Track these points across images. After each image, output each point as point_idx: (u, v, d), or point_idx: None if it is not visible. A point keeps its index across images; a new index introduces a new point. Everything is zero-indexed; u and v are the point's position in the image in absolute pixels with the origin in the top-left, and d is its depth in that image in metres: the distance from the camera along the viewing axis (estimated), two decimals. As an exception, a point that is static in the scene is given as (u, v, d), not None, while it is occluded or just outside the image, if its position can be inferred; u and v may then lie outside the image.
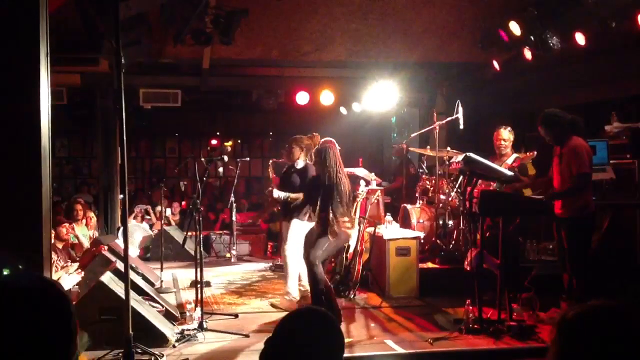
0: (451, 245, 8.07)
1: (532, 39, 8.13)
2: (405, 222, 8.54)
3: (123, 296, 4.97)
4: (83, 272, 6.80)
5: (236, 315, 6.56)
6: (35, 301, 1.70)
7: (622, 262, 7.24)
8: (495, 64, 9.24)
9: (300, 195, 6.93)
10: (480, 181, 6.76)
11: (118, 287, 5.54)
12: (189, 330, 5.78)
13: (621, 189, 7.46)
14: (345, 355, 5.14)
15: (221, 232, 11.38)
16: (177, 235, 10.41)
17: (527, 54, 8.40)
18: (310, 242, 6.26)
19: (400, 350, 5.33)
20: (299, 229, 6.87)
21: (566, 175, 6.04)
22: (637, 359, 1.54)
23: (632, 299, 6.67)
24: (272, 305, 6.97)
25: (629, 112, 8.24)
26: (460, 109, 8.28)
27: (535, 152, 7.29)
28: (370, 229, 7.84)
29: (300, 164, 7.25)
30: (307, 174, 7.00)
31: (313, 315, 2.04)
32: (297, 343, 1.93)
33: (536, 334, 5.75)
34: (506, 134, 7.59)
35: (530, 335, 5.72)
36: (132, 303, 5.06)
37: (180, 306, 6.84)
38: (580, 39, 7.54)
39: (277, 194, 7.05)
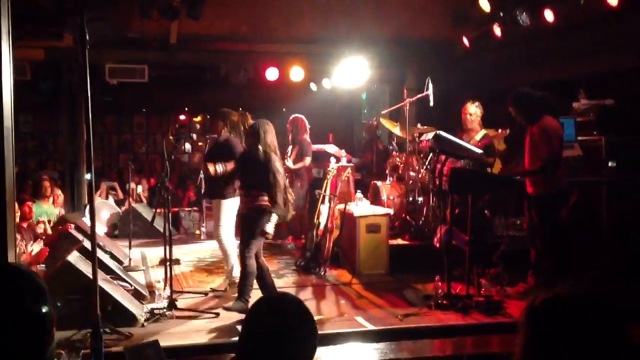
0: (421, 222, 8.12)
1: (502, 15, 8.15)
2: (376, 199, 8.56)
3: (90, 275, 4.91)
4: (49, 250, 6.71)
5: (206, 294, 6.53)
6: (6, 292, 1.66)
7: (589, 237, 7.34)
8: (465, 41, 9.24)
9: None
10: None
11: (85, 267, 5.47)
12: (158, 309, 5.74)
13: (588, 165, 7.54)
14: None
15: (190, 209, 11.29)
16: (146, 212, 10.30)
17: (497, 30, 8.42)
18: (244, 232, 5.96)
19: (370, 327, 5.36)
20: (229, 208, 6.75)
21: (535, 155, 6.08)
22: (603, 347, 1.54)
23: (597, 274, 6.79)
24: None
25: (596, 89, 8.30)
26: (431, 86, 8.27)
27: (507, 131, 7.34)
28: (341, 206, 7.84)
29: (222, 138, 6.95)
30: (232, 149, 6.73)
31: (286, 303, 2.01)
32: (272, 333, 1.90)
33: (504, 309, 5.84)
34: (473, 109, 7.65)
35: (498, 311, 5.80)
36: (100, 282, 4.99)
37: (149, 285, 6.79)
38: (549, 15, 7.57)
39: (219, 168, 6.59)
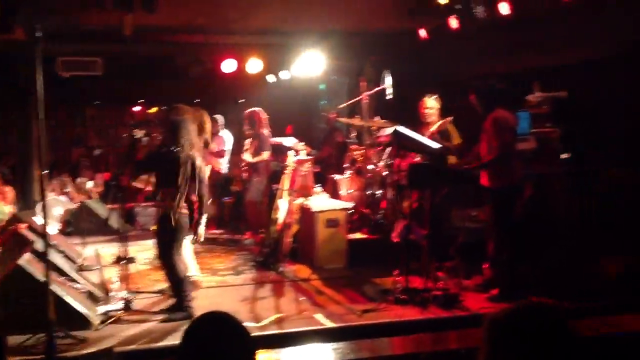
0: (379, 215, 8.12)
1: (459, 7, 8.18)
2: (334, 193, 8.54)
3: (43, 279, 4.79)
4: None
5: (162, 293, 6.42)
6: None
7: (544, 228, 7.45)
8: (423, 33, 9.24)
9: None
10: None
11: (38, 269, 5.31)
12: (113, 311, 5.63)
13: (543, 157, 7.64)
14: (274, 332, 5.13)
15: (146, 204, 11.10)
16: (100, 208, 10.09)
17: (453, 22, 8.44)
18: (163, 235, 5.72)
19: (329, 324, 5.34)
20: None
21: (490, 146, 6.12)
22: (564, 358, 1.55)
23: (552, 266, 6.91)
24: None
25: (550, 81, 8.40)
26: (388, 79, 8.26)
27: (451, 117, 7.37)
28: (300, 201, 7.79)
29: None
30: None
31: (219, 322, 1.96)
32: (207, 353, 1.85)
33: (460, 302, 5.89)
34: (431, 102, 7.68)
35: (455, 304, 5.85)
36: (53, 285, 4.88)
37: (104, 285, 6.64)
38: (504, 8, 7.62)
39: None
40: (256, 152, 9.17)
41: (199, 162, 5.66)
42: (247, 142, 9.30)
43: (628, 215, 7.01)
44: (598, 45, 7.81)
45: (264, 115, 9.26)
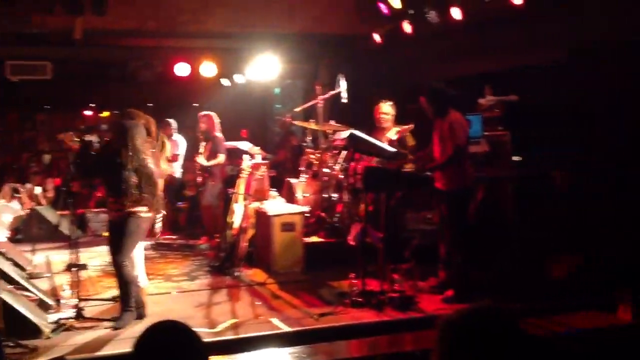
0: (336, 219, 8.13)
1: (411, 12, 8.27)
2: (290, 196, 8.52)
3: (-10, 287, 4.66)
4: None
5: (114, 300, 6.30)
6: None
7: (496, 232, 7.57)
8: (376, 37, 9.32)
9: None
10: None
11: (-15, 278, 5.16)
12: (64, 319, 5.50)
13: (495, 161, 7.76)
14: (229, 337, 5.08)
15: (98, 209, 10.90)
16: (50, 214, 9.87)
17: (407, 27, 8.53)
18: (115, 240, 5.63)
19: (286, 328, 5.31)
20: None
21: (444, 149, 6.19)
22: (516, 357, 1.57)
23: (504, 268, 7.03)
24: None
25: (501, 85, 8.54)
26: (343, 83, 8.29)
27: (413, 125, 7.44)
28: (255, 205, 7.75)
29: None
30: None
31: (170, 330, 1.94)
32: None
33: (416, 304, 5.94)
34: (386, 108, 7.74)
35: (411, 306, 5.90)
36: (2, 294, 4.75)
37: (55, 292, 6.49)
38: (456, 13, 7.74)
39: None
40: (211, 156, 9.10)
41: (149, 166, 5.58)
42: (202, 145, 9.23)
43: (576, 217, 7.17)
44: (547, 50, 8.00)
45: (216, 119, 9.20)
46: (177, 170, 9.94)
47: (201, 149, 9.23)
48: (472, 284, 6.14)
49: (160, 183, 5.82)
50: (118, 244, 5.57)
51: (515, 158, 7.74)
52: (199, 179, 9.30)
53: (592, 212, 7.07)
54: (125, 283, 5.57)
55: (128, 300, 5.56)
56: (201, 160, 9.14)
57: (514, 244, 7.43)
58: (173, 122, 10.24)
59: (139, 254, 6.21)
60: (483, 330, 1.61)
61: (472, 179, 6.40)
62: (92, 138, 6.14)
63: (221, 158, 9.10)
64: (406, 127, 7.54)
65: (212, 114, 9.27)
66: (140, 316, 5.63)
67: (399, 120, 8.12)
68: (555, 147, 7.77)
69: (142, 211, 5.55)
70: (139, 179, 5.49)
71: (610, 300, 5.45)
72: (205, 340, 4.76)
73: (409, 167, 6.69)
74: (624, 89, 7.39)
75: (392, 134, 7.51)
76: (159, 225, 5.69)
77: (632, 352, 4.66)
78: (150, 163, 5.59)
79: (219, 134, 9.20)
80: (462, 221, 6.26)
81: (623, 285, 5.40)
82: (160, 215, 5.75)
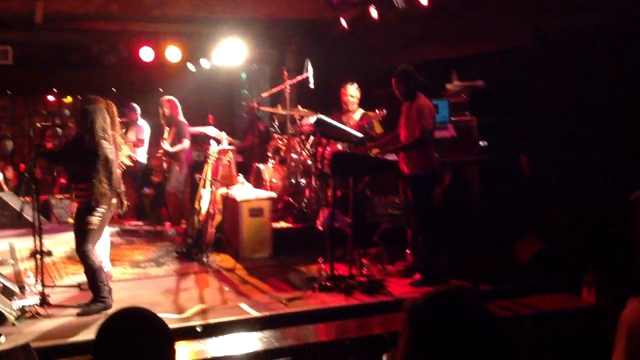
0: (304, 204, 8.13)
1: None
2: (258, 182, 8.49)
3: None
4: None
5: (79, 286, 6.22)
6: None
7: (462, 215, 7.65)
8: (343, 22, 9.29)
9: None
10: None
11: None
12: (29, 306, 5.41)
13: (461, 146, 7.82)
14: (197, 322, 5.05)
15: (62, 196, 10.72)
16: (13, 200, 9.68)
17: (373, 12, 8.52)
18: (80, 229, 5.51)
19: (254, 313, 5.30)
20: None
21: (411, 132, 6.21)
22: (483, 343, 1.58)
23: (470, 251, 7.12)
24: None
25: (468, 70, 8.60)
26: (310, 68, 8.26)
27: (385, 111, 7.46)
28: (223, 191, 7.70)
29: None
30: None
31: (134, 317, 1.91)
32: (122, 348, 1.81)
33: (385, 288, 5.96)
34: (353, 91, 7.75)
35: (380, 290, 5.92)
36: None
37: (19, 279, 6.37)
38: (422, -2, 7.75)
39: None
40: (175, 141, 9.00)
41: (112, 151, 5.49)
42: (166, 131, 9.12)
43: (542, 201, 7.28)
44: (513, 35, 8.06)
45: (178, 104, 9.09)
46: (142, 155, 9.81)
47: (165, 135, 9.13)
48: (439, 267, 6.20)
49: (118, 172, 5.71)
50: (82, 233, 5.48)
51: (481, 143, 7.82)
52: (164, 165, 9.21)
53: (557, 196, 7.18)
54: (93, 272, 5.48)
55: (99, 290, 5.46)
56: (166, 145, 9.04)
57: (481, 228, 7.53)
58: (137, 107, 10.09)
59: (104, 241, 6.13)
60: (449, 313, 1.62)
61: (437, 164, 6.43)
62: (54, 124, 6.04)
63: (186, 143, 9.00)
64: (378, 112, 7.56)
65: (174, 98, 9.16)
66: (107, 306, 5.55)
67: (366, 106, 8.14)
68: (521, 132, 7.87)
69: (106, 200, 5.47)
70: (103, 166, 5.41)
71: (575, 282, 5.55)
72: (173, 326, 4.76)
73: (375, 152, 6.70)
74: (588, 74, 7.50)
75: (358, 115, 7.52)
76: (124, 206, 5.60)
77: (595, 333, 4.77)
78: (112, 150, 5.51)
79: (182, 119, 9.10)
80: (428, 205, 6.30)
81: (587, 267, 5.50)
82: (125, 203, 5.65)
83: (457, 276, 6.06)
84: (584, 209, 6.90)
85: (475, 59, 8.78)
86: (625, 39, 7.02)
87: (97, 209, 5.43)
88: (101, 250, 6.01)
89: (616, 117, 7.00)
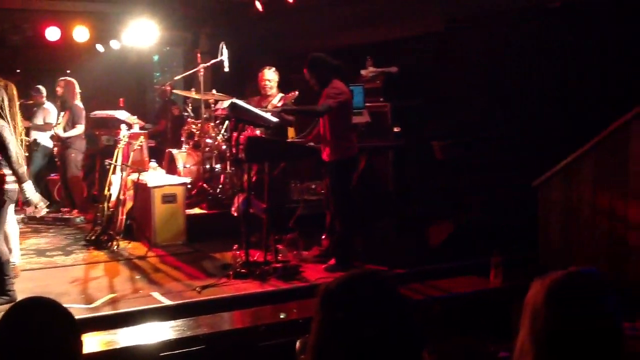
0: (218, 190, 8.02)
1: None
2: (171, 167, 8.31)
3: None
4: None
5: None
6: None
7: (377, 200, 7.74)
8: (258, 5, 9.18)
9: None
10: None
11: None
12: None
13: (376, 131, 7.90)
14: (107, 312, 4.89)
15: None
16: None
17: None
18: None
19: (167, 302, 5.19)
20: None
21: (327, 118, 6.18)
22: (395, 326, 1.59)
23: (384, 235, 7.23)
24: None
25: (383, 56, 8.69)
26: (225, 51, 8.12)
27: (297, 92, 7.42)
28: (134, 176, 7.49)
29: None
30: None
31: (38, 307, 1.83)
32: (25, 340, 1.72)
33: (300, 274, 5.97)
34: (270, 75, 7.67)
35: (295, 275, 5.92)
36: None
37: None
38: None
39: None
40: (69, 126, 8.64)
41: (10, 133, 5.21)
42: (60, 115, 8.75)
43: (453, 186, 7.47)
44: (425, 21, 8.20)
45: (76, 86, 8.73)
46: (48, 140, 9.38)
47: (60, 119, 8.75)
48: (353, 252, 6.25)
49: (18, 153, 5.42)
50: None
51: (395, 129, 7.93)
52: (58, 150, 8.85)
53: (467, 181, 7.38)
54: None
55: (4, 282, 5.18)
56: (58, 130, 8.67)
57: (395, 212, 7.65)
58: (44, 90, 9.65)
59: (13, 229, 5.84)
60: (361, 296, 1.62)
61: (356, 150, 6.45)
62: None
63: (80, 128, 8.65)
64: (290, 94, 7.51)
65: (73, 80, 8.78)
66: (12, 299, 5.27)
67: (284, 90, 8.08)
68: (433, 118, 8.03)
69: (9, 183, 5.20)
70: (3, 149, 5.13)
71: (484, 265, 5.72)
72: (81, 316, 4.59)
73: (292, 138, 6.68)
74: (496, 60, 7.72)
75: (277, 100, 7.47)
76: (36, 196, 5.32)
77: (501, 314, 4.94)
78: (9, 130, 5.23)
79: (78, 103, 8.72)
80: (345, 191, 6.33)
81: (495, 250, 5.68)
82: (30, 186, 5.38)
83: (371, 261, 6.13)
84: (494, 194, 7.13)
85: (389, 45, 8.88)
86: (533, 23, 7.26)
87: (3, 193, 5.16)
88: (11, 240, 5.72)
89: (525, 102, 7.26)
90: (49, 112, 9.50)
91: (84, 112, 8.71)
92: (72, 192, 8.95)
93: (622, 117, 5.50)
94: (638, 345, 3.20)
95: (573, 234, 5.93)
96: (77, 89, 8.71)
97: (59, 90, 8.73)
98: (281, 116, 6.73)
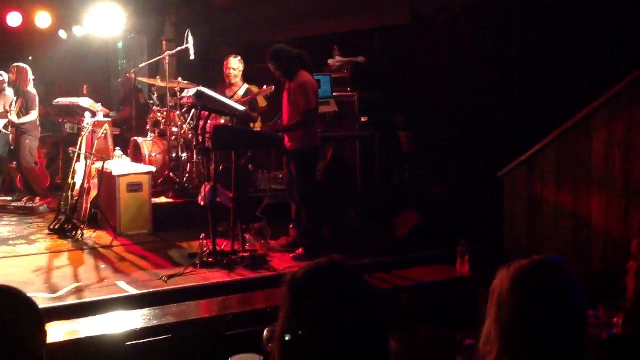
0: (185, 179, 7.97)
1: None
2: (136, 156, 8.22)
3: None
4: None
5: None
6: None
7: (344, 190, 7.78)
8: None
9: None
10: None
11: None
12: None
13: (343, 121, 7.92)
14: (72, 302, 4.84)
15: None
16: None
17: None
18: None
19: (133, 291, 5.14)
20: None
21: (294, 110, 6.17)
22: (361, 314, 1.61)
23: (351, 225, 7.27)
24: None
25: (350, 46, 8.70)
26: (191, 39, 8.04)
27: (272, 88, 7.40)
28: (99, 165, 7.38)
29: None
30: None
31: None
32: None
33: (267, 263, 5.98)
34: (235, 63, 7.64)
35: (262, 265, 5.92)
36: None
37: None
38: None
39: None
40: (23, 112, 8.50)
41: None
42: (13, 101, 8.60)
43: (420, 176, 7.54)
44: (392, 12, 8.23)
45: (29, 72, 8.60)
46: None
47: (13, 105, 8.60)
48: (321, 242, 6.27)
49: None
50: None
51: (362, 119, 7.96)
52: (11, 137, 8.70)
53: (434, 171, 7.45)
54: None
55: None
56: (13, 117, 8.53)
57: (362, 203, 7.69)
58: (5, 76, 9.44)
59: None
60: (327, 284, 1.63)
61: (320, 139, 6.46)
62: None
63: (34, 115, 8.54)
64: (266, 89, 7.50)
65: (25, 66, 8.65)
66: None
67: (249, 80, 8.04)
68: (400, 109, 8.08)
69: None
70: None
71: (451, 254, 5.79)
72: (45, 305, 4.53)
73: (257, 127, 6.66)
74: (463, 53, 7.79)
75: (242, 91, 7.43)
76: None
77: (467, 302, 5.01)
78: None
79: (31, 89, 8.60)
80: (311, 180, 6.34)
81: (461, 240, 5.75)
82: None
83: (339, 250, 6.11)
84: (460, 184, 7.22)
85: (356, 35, 8.90)
86: (502, 17, 7.33)
87: None
88: None
89: (491, 95, 7.34)
90: (10, 99, 9.29)
91: (37, 98, 8.59)
92: (29, 180, 8.79)
93: (584, 110, 5.61)
94: (600, 333, 3.27)
95: (538, 224, 6.03)
96: (30, 76, 8.59)
97: (11, 76, 8.62)
98: (246, 111, 6.70)
